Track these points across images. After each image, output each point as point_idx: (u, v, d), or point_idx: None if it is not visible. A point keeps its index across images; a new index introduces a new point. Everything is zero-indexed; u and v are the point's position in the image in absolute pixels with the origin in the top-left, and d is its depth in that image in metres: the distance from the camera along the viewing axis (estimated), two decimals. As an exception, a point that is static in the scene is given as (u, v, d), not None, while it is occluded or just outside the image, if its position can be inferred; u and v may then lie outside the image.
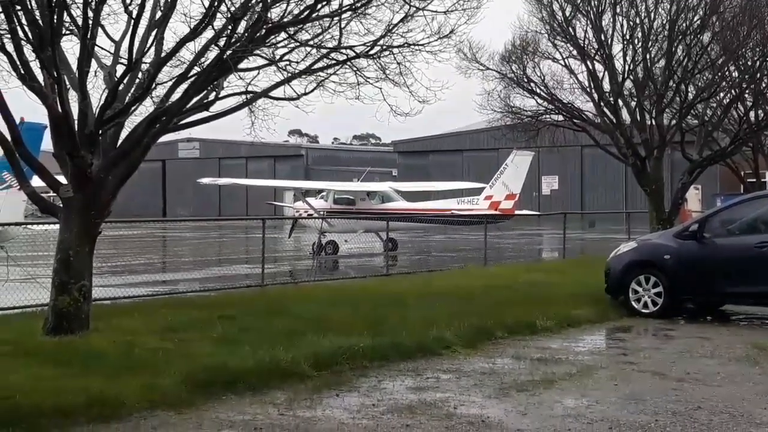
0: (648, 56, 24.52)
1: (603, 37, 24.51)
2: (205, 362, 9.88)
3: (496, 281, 18.36)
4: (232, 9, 11.29)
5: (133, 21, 11.04)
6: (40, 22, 10.52)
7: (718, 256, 14.99)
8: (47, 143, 13.26)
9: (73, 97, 11.32)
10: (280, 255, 32.08)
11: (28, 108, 12.30)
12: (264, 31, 11.66)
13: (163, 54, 11.42)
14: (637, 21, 24.43)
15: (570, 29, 24.99)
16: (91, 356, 10.06)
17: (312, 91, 13.01)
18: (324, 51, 12.64)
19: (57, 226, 12.06)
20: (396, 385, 9.98)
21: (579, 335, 13.66)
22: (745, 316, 15.78)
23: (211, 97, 12.32)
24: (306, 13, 11.87)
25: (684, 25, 24.00)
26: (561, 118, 27.23)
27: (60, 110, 11.06)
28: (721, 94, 26.61)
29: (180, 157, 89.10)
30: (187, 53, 11.70)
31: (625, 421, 8.45)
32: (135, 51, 11.12)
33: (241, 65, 12.03)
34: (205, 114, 12.59)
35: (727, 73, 25.67)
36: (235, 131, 17.19)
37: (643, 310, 15.35)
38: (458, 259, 28.75)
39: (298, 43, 12.43)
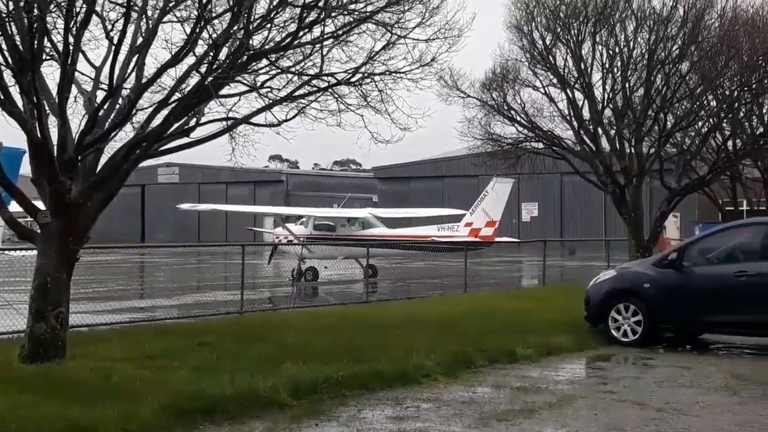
0: (627, 85, 24.71)
1: (583, 66, 24.69)
2: (183, 390, 9.79)
3: (476, 309, 18.33)
4: (214, 36, 11.31)
5: (114, 47, 11.01)
6: (21, 47, 10.47)
7: (697, 285, 15.04)
8: (26, 168, 13.18)
9: (52, 122, 11.26)
10: (260, 281, 31.92)
11: (7, 133, 12.24)
12: (245, 57, 11.67)
13: (143, 80, 11.38)
14: (617, 50, 24.63)
15: (550, 57, 25.17)
16: (68, 384, 9.95)
17: (293, 117, 13.02)
18: (305, 78, 12.65)
19: (34, 252, 11.95)
20: (376, 415, 9.92)
21: (559, 364, 13.64)
22: (724, 345, 15.81)
23: (192, 123, 12.27)
24: (288, 40, 11.88)
25: (663, 54, 24.22)
26: (541, 145, 27.36)
27: (39, 136, 10.98)
28: (700, 123, 26.82)
29: (159, 182, 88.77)
30: (168, 79, 11.69)
31: (605, 451, 8.42)
32: (116, 77, 11.07)
33: (222, 91, 12.00)
34: (185, 140, 12.54)
35: (705, 102, 25.91)
36: (215, 157, 17.20)
37: (623, 339, 15.36)
38: (438, 286, 28.71)
39: (279, 70, 12.45)
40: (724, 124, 27.52)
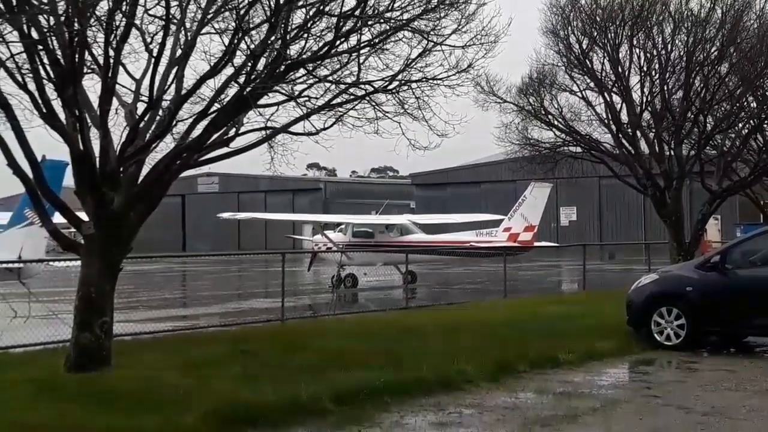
0: (666, 87, 24.57)
1: (620, 69, 24.59)
2: (226, 398, 9.85)
3: (517, 314, 18.27)
4: (252, 46, 11.42)
5: (153, 59, 11.17)
6: (62, 61, 10.63)
7: (740, 288, 14.88)
8: (69, 180, 13.36)
9: (94, 134, 11.39)
10: (300, 289, 32.07)
11: (50, 146, 12.41)
12: (283, 67, 11.76)
13: (183, 91, 11.49)
14: (654, 53, 24.52)
15: (587, 62, 25.09)
16: (113, 393, 10.05)
17: (331, 126, 13.08)
18: (343, 86, 12.71)
19: (78, 263, 12.10)
20: (418, 421, 9.92)
21: (602, 368, 13.54)
22: (768, 347, 15.64)
23: (231, 133, 12.38)
24: (325, 49, 11.95)
25: (701, 56, 24.05)
26: (579, 149, 27.28)
27: (82, 148, 11.14)
28: (740, 125, 26.58)
29: (199, 191, 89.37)
30: (207, 90, 11.81)
31: (650, 456, 8.36)
32: (156, 89, 11.22)
33: (261, 101, 12.10)
34: (225, 150, 12.66)
35: (745, 103, 25.66)
36: (253, 165, 17.30)
37: (666, 343, 15.23)
38: (478, 292, 28.66)
39: (317, 79, 12.52)
40: (765, 125, 27.25)
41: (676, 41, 24.31)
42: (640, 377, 13.12)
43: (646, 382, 12.57)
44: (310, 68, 12.28)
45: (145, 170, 11.97)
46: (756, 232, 16.74)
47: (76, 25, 10.32)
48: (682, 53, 24.22)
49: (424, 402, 10.84)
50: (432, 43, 12.82)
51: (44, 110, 10.88)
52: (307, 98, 12.66)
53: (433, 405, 10.70)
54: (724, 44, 23.81)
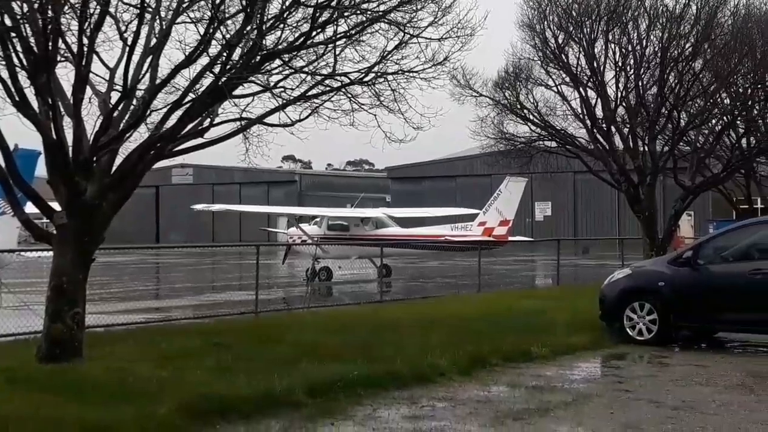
0: (640, 83, 24.67)
1: (595, 64, 24.66)
2: (199, 390, 9.81)
3: (491, 308, 18.31)
4: (227, 36, 11.35)
5: (128, 48, 11.09)
6: (35, 49, 10.53)
7: (712, 283, 14.99)
8: (41, 170, 13.23)
9: (67, 123, 11.30)
10: (274, 281, 32.00)
11: (23, 134, 12.29)
12: (259, 58, 11.70)
13: (158, 81, 11.40)
14: (629, 48, 24.60)
15: (563, 56, 25.14)
16: (86, 384, 9.99)
17: (307, 117, 13.02)
18: (319, 78, 12.65)
19: (50, 253, 12.00)
20: (391, 414, 9.93)
21: (574, 362, 13.61)
22: (739, 343, 15.76)
23: (206, 123, 12.30)
24: (301, 40, 11.90)
25: (676, 52, 24.17)
26: (554, 144, 27.35)
27: (54, 137, 11.04)
28: (714, 121, 26.76)
29: (173, 183, 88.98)
30: (182, 80, 11.70)
31: (621, 450, 8.40)
32: (130, 78, 11.14)
33: (236, 92, 12.02)
34: (199, 140, 12.60)
35: (719, 99, 25.83)
36: (228, 157, 17.22)
37: (638, 337, 15.31)
38: (452, 286, 28.71)
39: (292, 70, 12.45)
40: (738, 122, 27.44)
41: (651, 37, 24.41)
42: (612, 371, 13.20)
43: (618, 376, 12.64)
44: (286, 59, 12.22)
45: (118, 160, 11.88)
46: (728, 228, 16.87)
47: (49, 12, 10.21)
48: (656, 49, 24.33)
49: (397, 395, 10.85)
50: (408, 36, 12.78)
51: (17, 98, 10.78)
52: (282, 89, 12.60)
53: (407, 398, 10.71)
54: (698, 40, 23.94)
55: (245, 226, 76.27)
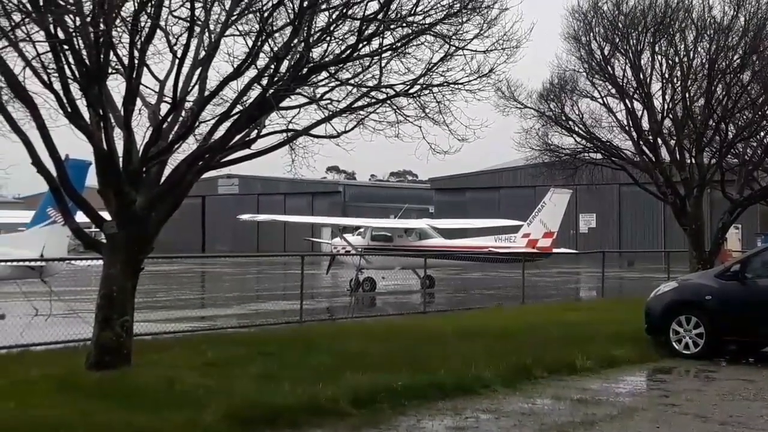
0: (687, 95, 24.44)
1: (642, 76, 24.49)
2: (245, 398, 9.91)
3: (535, 320, 18.25)
4: (275, 49, 11.49)
5: (177, 60, 11.28)
6: (87, 61, 10.74)
7: (760, 297, 14.82)
8: (92, 179, 13.46)
9: (118, 134, 11.50)
10: (318, 291, 32.13)
11: (74, 145, 12.52)
12: (306, 70, 11.83)
13: (206, 93, 11.59)
14: (676, 60, 24.38)
15: (608, 68, 25.00)
16: (134, 391, 10.14)
17: (352, 129, 13.13)
18: (364, 90, 12.76)
19: (100, 262, 12.19)
20: (435, 425, 9.95)
21: (619, 376, 13.52)
22: (788, 357, 15.56)
23: (253, 134, 12.46)
24: (347, 53, 12.01)
25: (723, 64, 23.91)
26: (599, 156, 27.17)
27: (105, 147, 11.25)
28: (762, 133, 26.42)
29: (219, 193, 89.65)
30: (229, 92, 11.90)
31: (667, 464, 8.35)
32: (179, 90, 11.33)
33: (283, 103, 12.17)
34: (246, 151, 12.75)
35: (767, 111, 25.50)
36: (274, 167, 17.35)
37: (684, 351, 15.18)
38: (496, 297, 28.63)
39: (339, 82, 12.57)
40: (787, 134, 27.05)
41: (699, 48, 24.17)
42: (657, 385, 13.09)
43: (664, 390, 12.54)
44: (332, 71, 12.35)
45: (167, 171, 12.06)
46: (777, 241, 16.67)
47: (101, 25, 10.42)
48: (704, 60, 24.09)
49: (441, 406, 10.86)
50: (454, 48, 12.85)
51: (69, 109, 11.00)
52: (328, 101, 12.72)
53: (450, 409, 10.72)
54: (746, 52, 23.67)
55: (289, 236, 76.61)
